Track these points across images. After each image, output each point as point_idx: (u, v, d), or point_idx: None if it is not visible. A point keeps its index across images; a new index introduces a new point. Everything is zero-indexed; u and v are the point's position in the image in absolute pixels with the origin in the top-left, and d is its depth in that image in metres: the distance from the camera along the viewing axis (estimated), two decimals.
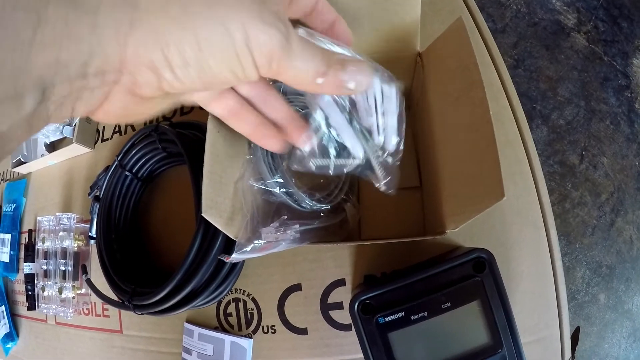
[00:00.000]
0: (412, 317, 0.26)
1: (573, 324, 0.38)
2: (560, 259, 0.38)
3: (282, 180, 0.29)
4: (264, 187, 0.28)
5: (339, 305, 0.30)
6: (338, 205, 0.31)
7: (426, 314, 0.26)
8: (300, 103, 0.27)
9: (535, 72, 0.57)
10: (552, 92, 0.57)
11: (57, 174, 0.41)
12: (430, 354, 0.26)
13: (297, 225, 0.28)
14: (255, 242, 0.26)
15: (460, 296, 0.27)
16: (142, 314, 0.33)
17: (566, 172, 0.55)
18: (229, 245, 0.31)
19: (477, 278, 0.26)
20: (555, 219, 0.51)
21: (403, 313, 0.26)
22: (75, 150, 0.39)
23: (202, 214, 0.22)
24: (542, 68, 0.58)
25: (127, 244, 0.33)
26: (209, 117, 0.21)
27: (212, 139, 0.24)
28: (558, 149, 0.55)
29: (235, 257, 0.24)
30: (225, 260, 0.24)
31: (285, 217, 0.30)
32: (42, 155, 0.40)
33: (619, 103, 0.61)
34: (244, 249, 0.24)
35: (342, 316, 0.30)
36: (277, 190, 0.28)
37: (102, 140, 0.39)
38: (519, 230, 0.38)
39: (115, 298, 0.32)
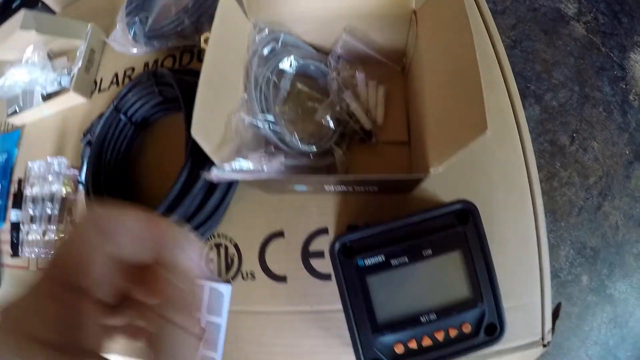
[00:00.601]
0: (392, 262, 0.26)
1: (555, 301, 0.39)
2: (544, 227, 0.39)
3: (273, 119, 0.30)
4: (255, 123, 0.30)
5: (320, 254, 0.30)
6: (327, 151, 0.32)
7: (407, 260, 0.26)
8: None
9: (532, 54, 0.59)
10: (547, 74, 0.58)
11: (51, 125, 0.40)
12: (408, 303, 0.26)
13: (283, 157, 0.29)
14: (239, 160, 0.27)
15: (442, 244, 0.27)
16: None
17: (556, 152, 0.56)
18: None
19: (459, 228, 0.27)
20: (542, 195, 0.52)
21: (383, 257, 0.26)
22: (71, 99, 0.39)
23: (191, 134, 0.22)
24: (539, 51, 0.59)
25: (115, 188, 0.33)
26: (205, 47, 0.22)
27: (208, 66, 0.25)
28: (549, 128, 0.56)
29: (216, 173, 0.24)
30: (207, 177, 0.24)
31: (274, 149, 0.31)
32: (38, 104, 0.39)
33: (613, 92, 0.62)
34: (226, 167, 0.24)
35: (323, 265, 0.29)
36: (267, 127, 0.29)
37: (99, 91, 0.39)
38: (504, 195, 0.38)
39: None
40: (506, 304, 0.36)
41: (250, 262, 0.30)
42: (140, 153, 0.36)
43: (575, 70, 0.60)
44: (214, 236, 0.32)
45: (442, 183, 0.32)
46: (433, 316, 0.25)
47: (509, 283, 0.35)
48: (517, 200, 0.37)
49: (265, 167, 0.27)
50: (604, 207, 0.58)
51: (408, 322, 0.25)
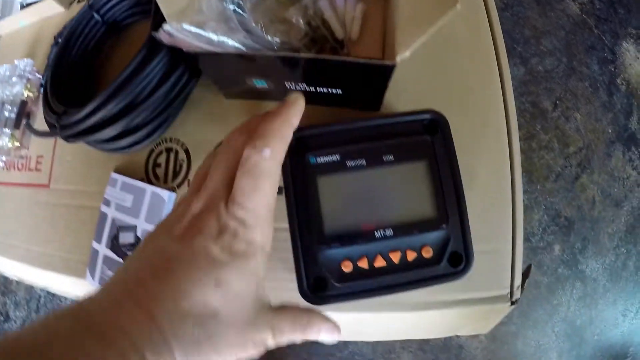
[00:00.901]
0: (348, 163, 0.23)
1: (524, 264, 0.37)
2: (520, 170, 0.38)
3: (241, 2, 0.28)
4: (224, 4, 0.28)
5: None
6: (294, 49, 0.30)
7: (364, 163, 0.23)
8: None
9: (522, 19, 0.59)
10: (535, 40, 0.58)
11: (26, 35, 0.40)
12: (362, 213, 0.23)
13: (245, 34, 0.28)
14: (197, 17, 0.25)
15: (406, 151, 0.24)
16: (68, 137, 0.30)
17: (537, 114, 0.55)
18: (173, 68, 0.29)
19: (427, 137, 0.24)
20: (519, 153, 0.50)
21: (338, 156, 0.23)
22: (49, 8, 0.38)
23: None
24: (530, 18, 0.59)
25: (76, 89, 0.31)
26: None
27: None
28: (532, 90, 0.55)
29: (167, 29, 0.22)
30: (156, 35, 0.23)
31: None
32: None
33: (601, 72, 0.62)
34: (180, 27, 0.22)
35: None
36: (233, 8, 0.28)
37: (78, 1, 0.38)
38: (480, 133, 0.37)
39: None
40: (474, 246, 0.34)
41: None
42: (108, 58, 0.35)
43: (565, 43, 0.60)
44: (165, 140, 0.31)
45: (413, 106, 0.32)
46: (389, 232, 0.22)
47: (479, 225, 0.33)
48: (493, 140, 0.35)
49: (224, 40, 0.25)
50: (582, 179, 0.57)
51: (360, 235, 0.22)
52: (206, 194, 0.15)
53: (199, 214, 0.15)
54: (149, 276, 0.14)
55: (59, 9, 0.38)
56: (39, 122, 0.35)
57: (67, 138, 0.32)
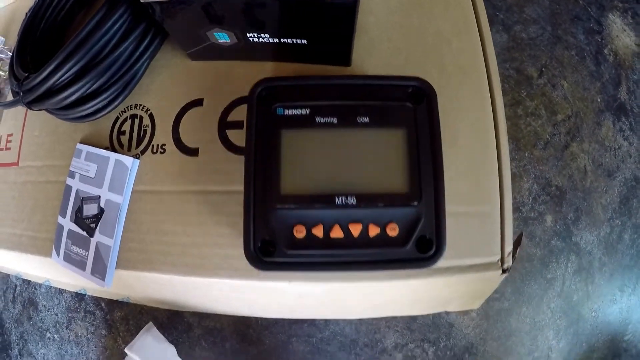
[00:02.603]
0: (317, 119, 0.21)
1: (516, 234, 0.35)
2: (505, 130, 0.36)
3: None
4: None
5: (238, 124, 0.26)
6: None
7: (335, 121, 0.21)
8: None
9: None
10: (518, 8, 0.56)
11: (0, 19, 0.39)
12: (324, 175, 0.21)
13: None
14: None
15: (383, 116, 0.22)
16: (31, 103, 0.30)
17: (522, 80, 0.53)
18: (135, 26, 0.29)
19: (409, 104, 0.21)
20: (505, 120, 0.48)
21: (308, 110, 0.21)
22: None
23: None
24: None
25: (44, 59, 0.31)
26: None
27: None
28: (516, 57, 0.54)
29: None
30: None
31: None
32: None
33: (588, 42, 0.60)
34: None
35: (239, 137, 0.26)
36: None
37: None
38: (460, 91, 0.35)
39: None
40: (459, 207, 0.31)
41: (163, 134, 0.28)
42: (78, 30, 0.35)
43: (549, 12, 0.59)
44: (130, 107, 0.30)
45: (389, 67, 0.29)
46: (352, 200, 0.20)
47: (463, 184, 0.31)
48: (474, 94, 0.34)
49: None
50: (572, 148, 0.55)
51: (318, 199, 0.20)
52: None
53: None
54: None
55: None
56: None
57: (30, 104, 0.31)
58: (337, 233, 0.20)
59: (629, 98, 0.61)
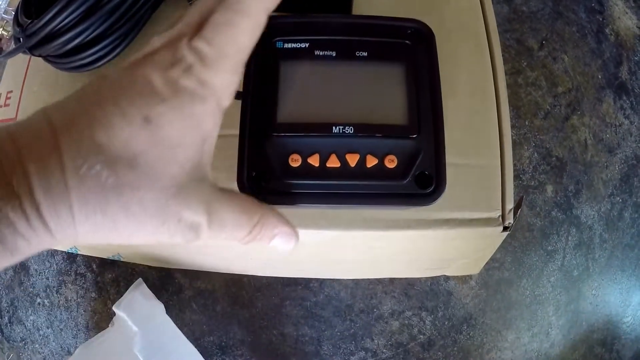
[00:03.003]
0: (317, 52, 0.21)
1: (516, 199, 0.34)
2: (504, 83, 0.36)
3: None
4: None
5: None
6: None
7: (334, 54, 0.21)
8: None
9: None
10: None
11: None
12: (322, 105, 0.20)
13: None
14: None
15: (382, 51, 0.22)
16: (33, 48, 0.30)
17: (523, 51, 0.53)
18: None
19: (407, 42, 0.22)
20: (505, 88, 0.48)
21: (307, 44, 0.21)
22: None
23: None
24: None
25: (47, 7, 0.30)
26: None
27: None
28: (517, 28, 0.54)
29: None
30: None
31: None
32: None
33: (589, 20, 0.60)
34: None
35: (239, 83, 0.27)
36: None
37: None
38: (458, 41, 0.36)
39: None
40: (458, 159, 0.31)
41: None
42: None
43: None
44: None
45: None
46: (349, 130, 0.19)
47: (463, 136, 0.31)
48: (473, 51, 0.35)
49: None
50: (573, 120, 0.54)
51: (315, 127, 0.20)
52: (172, 32, 0.13)
53: (158, 48, 0.12)
54: (74, 101, 0.12)
55: None
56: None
57: (32, 49, 0.31)
58: (333, 163, 0.20)
59: (630, 78, 0.61)
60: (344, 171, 0.20)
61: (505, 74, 0.51)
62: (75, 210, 0.10)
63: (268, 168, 0.20)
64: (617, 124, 0.58)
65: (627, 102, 0.59)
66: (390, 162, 0.20)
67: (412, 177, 0.20)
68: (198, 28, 0.12)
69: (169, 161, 0.11)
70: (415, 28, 0.23)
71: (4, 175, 0.10)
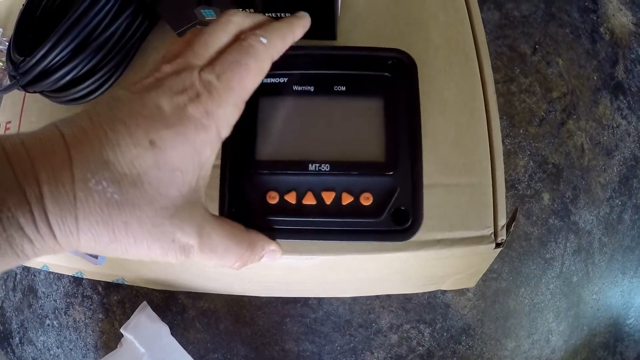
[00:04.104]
0: (295, 87, 0.22)
1: (512, 211, 0.34)
2: (495, 98, 0.36)
3: None
4: None
5: None
6: None
7: (312, 89, 0.22)
8: None
9: None
10: None
11: (2, 8, 0.40)
12: (299, 143, 0.21)
13: None
14: None
15: (361, 85, 0.22)
16: (27, 85, 0.31)
17: (515, 57, 0.53)
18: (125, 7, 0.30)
19: (388, 74, 0.22)
20: (498, 96, 0.49)
21: (286, 79, 0.22)
22: None
23: None
24: None
25: (39, 43, 0.31)
26: None
27: None
28: (509, 34, 0.53)
29: None
30: None
31: None
32: None
33: (583, 20, 0.59)
34: None
35: None
36: None
37: None
38: (446, 58, 0.35)
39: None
40: (448, 179, 0.31)
41: None
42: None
43: None
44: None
45: (375, 41, 0.30)
46: (325, 167, 0.19)
47: (451, 151, 0.31)
48: (461, 63, 0.34)
49: None
50: (569, 125, 0.54)
51: (292, 165, 0.20)
52: (182, 59, 0.13)
53: (168, 73, 0.13)
54: (85, 118, 0.12)
55: None
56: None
57: (26, 87, 0.32)
58: (310, 200, 0.20)
59: (627, 77, 0.60)
60: (320, 208, 0.20)
61: (498, 82, 0.51)
62: (79, 220, 0.11)
63: (247, 205, 0.20)
64: (615, 125, 0.57)
65: (624, 102, 0.59)
66: (366, 200, 0.20)
67: (388, 214, 0.20)
68: (208, 61, 0.13)
69: (169, 183, 0.12)
70: (395, 58, 0.22)
71: (17, 181, 0.10)
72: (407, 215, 0.20)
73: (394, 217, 0.20)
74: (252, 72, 0.14)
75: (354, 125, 0.21)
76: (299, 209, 0.20)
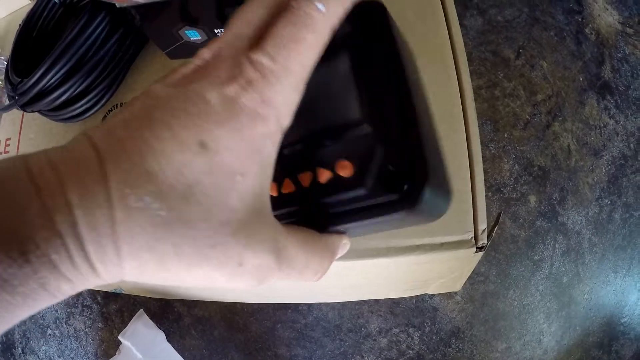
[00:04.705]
0: None
1: (496, 214, 0.35)
2: (473, 107, 0.37)
3: None
4: None
5: None
6: None
7: None
8: None
9: None
10: None
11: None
12: None
13: None
14: None
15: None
16: (25, 105, 0.33)
17: (499, 62, 0.53)
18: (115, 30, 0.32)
19: (347, 28, 0.16)
20: (482, 101, 0.50)
21: None
22: (18, 1, 0.41)
23: None
24: None
25: (36, 65, 0.32)
26: None
27: None
28: (492, 40, 0.54)
29: None
30: None
31: None
32: None
33: (567, 22, 0.60)
34: None
35: None
36: None
37: None
38: (423, 68, 0.37)
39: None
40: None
41: None
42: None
43: None
44: (116, 106, 0.34)
45: None
46: (299, 147, 0.16)
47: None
48: (440, 76, 0.35)
49: None
50: (554, 127, 0.54)
51: None
52: (223, 40, 0.11)
53: (210, 59, 0.11)
54: (120, 124, 0.10)
55: (26, 1, 0.41)
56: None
57: (24, 107, 0.34)
58: (288, 188, 0.16)
59: (614, 76, 0.60)
60: (300, 194, 0.16)
61: (482, 87, 0.51)
62: (120, 247, 0.09)
63: None
64: (602, 125, 0.57)
65: (612, 101, 0.59)
66: (343, 170, 0.15)
67: (374, 180, 0.15)
68: (254, 40, 0.11)
69: (228, 192, 0.10)
70: (358, 10, 0.16)
71: (45, 210, 0.08)
72: (398, 176, 0.14)
73: (381, 183, 0.14)
74: (312, 47, 0.11)
75: (324, 93, 0.17)
76: (281, 200, 0.16)
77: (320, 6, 0.11)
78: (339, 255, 0.14)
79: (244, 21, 0.11)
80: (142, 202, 0.09)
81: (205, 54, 0.11)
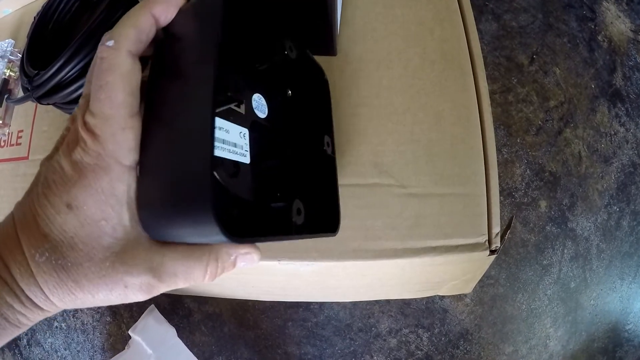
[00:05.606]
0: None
1: (508, 218, 0.35)
2: (490, 112, 0.37)
3: None
4: None
5: None
6: None
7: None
8: None
9: None
10: None
11: (9, 23, 0.42)
12: None
13: None
14: None
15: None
16: (41, 98, 0.33)
17: (512, 68, 0.54)
18: None
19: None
20: (495, 106, 0.50)
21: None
22: None
23: None
24: None
25: (51, 59, 0.33)
26: None
27: None
28: (506, 45, 0.54)
29: None
30: None
31: None
32: None
33: (581, 29, 0.60)
34: None
35: None
36: None
37: None
38: (441, 71, 0.37)
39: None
40: (443, 189, 0.32)
41: None
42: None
43: (540, 0, 0.59)
44: None
45: (373, 55, 0.31)
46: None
47: (447, 164, 0.32)
48: (456, 77, 0.35)
49: None
50: (566, 133, 0.55)
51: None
52: (79, 102, 0.14)
53: (69, 125, 0.13)
54: (26, 196, 0.13)
55: None
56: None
57: (40, 99, 0.34)
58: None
59: (625, 84, 0.60)
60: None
61: (496, 92, 0.52)
62: (43, 288, 0.12)
63: None
64: (612, 132, 0.58)
65: (622, 109, 0.59)
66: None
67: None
68: (88, 103, 0.13)
69: (99, 235, 0.12)
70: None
71: (4, 266, 0.12)
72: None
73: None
74: (115, 86, 0.12)
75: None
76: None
77: (109, 43, 0.13)
78: (235, 263, 0.15)
79: (86, 80, 0.13)
80: (44, 256, 0.12)
81: (69, 120, 0.14)
